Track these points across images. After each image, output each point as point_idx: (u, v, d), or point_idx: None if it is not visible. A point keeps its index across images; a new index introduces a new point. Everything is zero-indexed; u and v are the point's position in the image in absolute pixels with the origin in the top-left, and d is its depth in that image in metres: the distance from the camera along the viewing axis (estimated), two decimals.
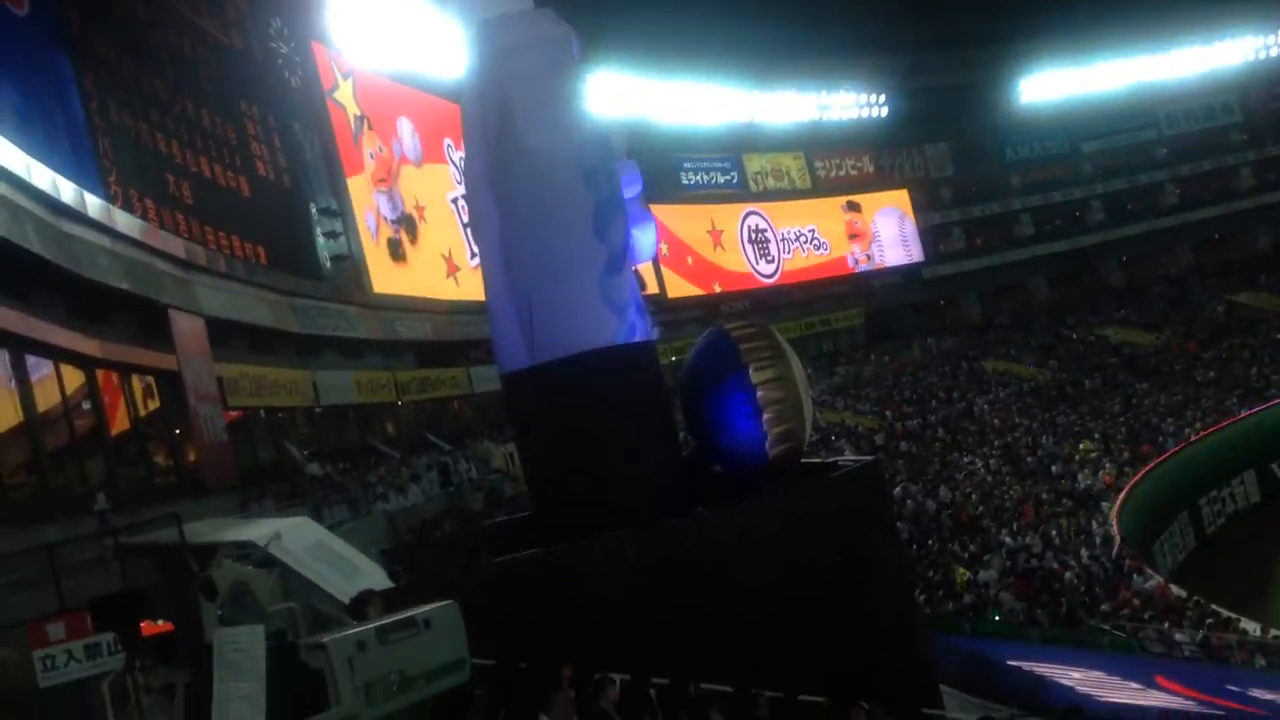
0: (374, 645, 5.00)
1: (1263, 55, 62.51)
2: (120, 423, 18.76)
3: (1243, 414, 42.91)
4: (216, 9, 26.43)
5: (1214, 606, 25.95)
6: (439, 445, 30.20)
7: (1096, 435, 40.89)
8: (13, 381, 15.31)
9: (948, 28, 57.27)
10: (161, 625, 5.22)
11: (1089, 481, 35.68)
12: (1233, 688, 20.68)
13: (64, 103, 18.53)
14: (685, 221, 50.40)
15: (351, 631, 5.24)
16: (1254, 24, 61.60)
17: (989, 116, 60.95)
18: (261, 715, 4.29)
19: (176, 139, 22.52)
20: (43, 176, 16.26)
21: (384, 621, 5.25)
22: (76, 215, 17.22)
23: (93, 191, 18.04)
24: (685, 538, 14.35)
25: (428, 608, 5.34)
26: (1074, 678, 19.96)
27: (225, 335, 22.35)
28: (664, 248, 44.22)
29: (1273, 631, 24.43)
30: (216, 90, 25.15)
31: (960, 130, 60.87)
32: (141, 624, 5.20)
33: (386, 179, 33.67)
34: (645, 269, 35.07)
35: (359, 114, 32.85)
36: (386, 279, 31.91)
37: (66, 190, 16.94)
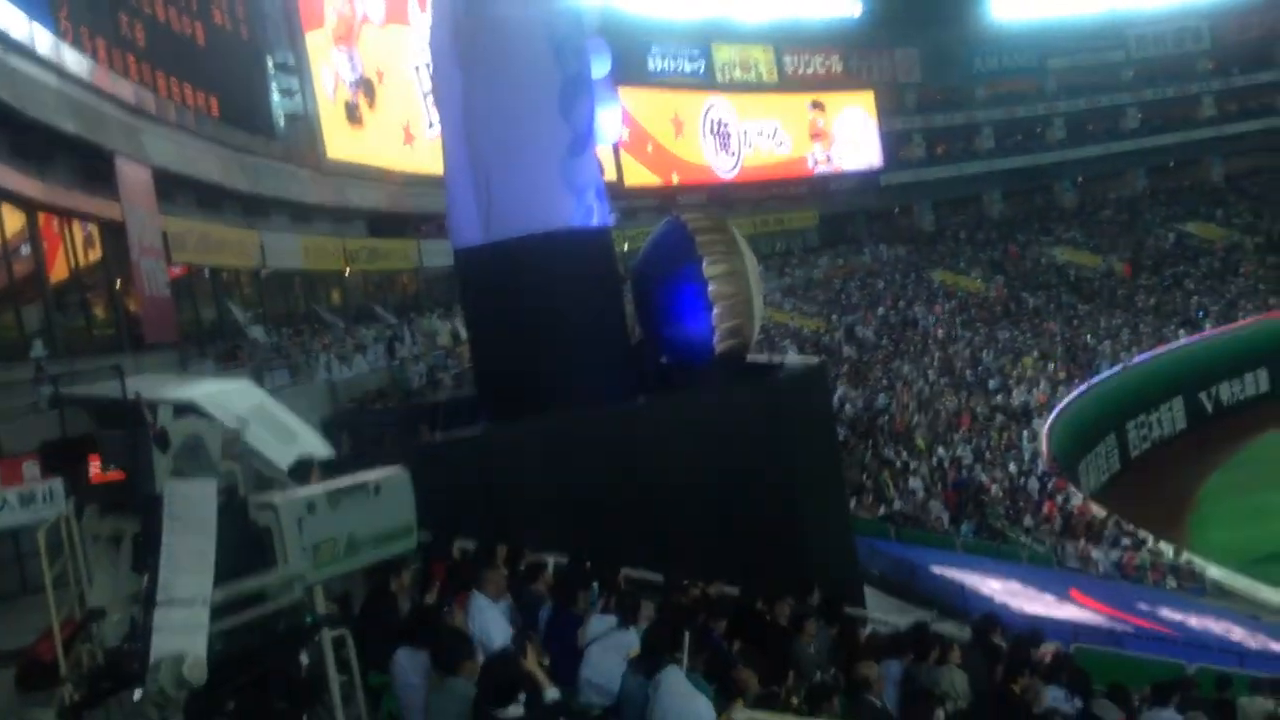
0: (324, 507, 5.00)
1: None
2: (59, 271, 18.37)
3: (1177, 343, 43.78)
4: None
5: (1131, 527, 26.77)
6: (384, 318, 29.99)
7: (1035, 353, 41.53)
8: None
9: None
10: (111, 474, 5.18)
11: (1024, 398, 36.33)
12: (1144, 606, 21.48)
13: None
14: (648, 108, 49.71)
15: (302, 492, 5.24)
16: None
17: (961, 26, 60.28)
18: (209, 569, 4.28)
19: None
20: None
21: (335, 485, 5.25)
22: (25, 50, 16.60)
23: (44, 25, 17.37)
24: (626, 424, 14.49)
25: (378, 472, 5.35)
26: (993, 587, 20.59)
27: (172, 189, 21.85)
28: (625, 133, 43.60)
29: (1185, 555, 25.29)
30: None
31: (931, 37, 60.26)
32: (91, 471, 5.16)
33: (347, 37, 32.72)
34: (604, 154, 34.63)
35: None
36: (341, 143, 31.24)
37: (16, 23, 16.30)
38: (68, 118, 17.55)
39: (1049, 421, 33.92)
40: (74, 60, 18.30)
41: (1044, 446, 31.86)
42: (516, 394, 15.16)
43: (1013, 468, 30.25)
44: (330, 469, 6.98)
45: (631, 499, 13.51)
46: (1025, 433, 33.22)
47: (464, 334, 24.48)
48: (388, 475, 5.38)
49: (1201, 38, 63.36)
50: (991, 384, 37.85)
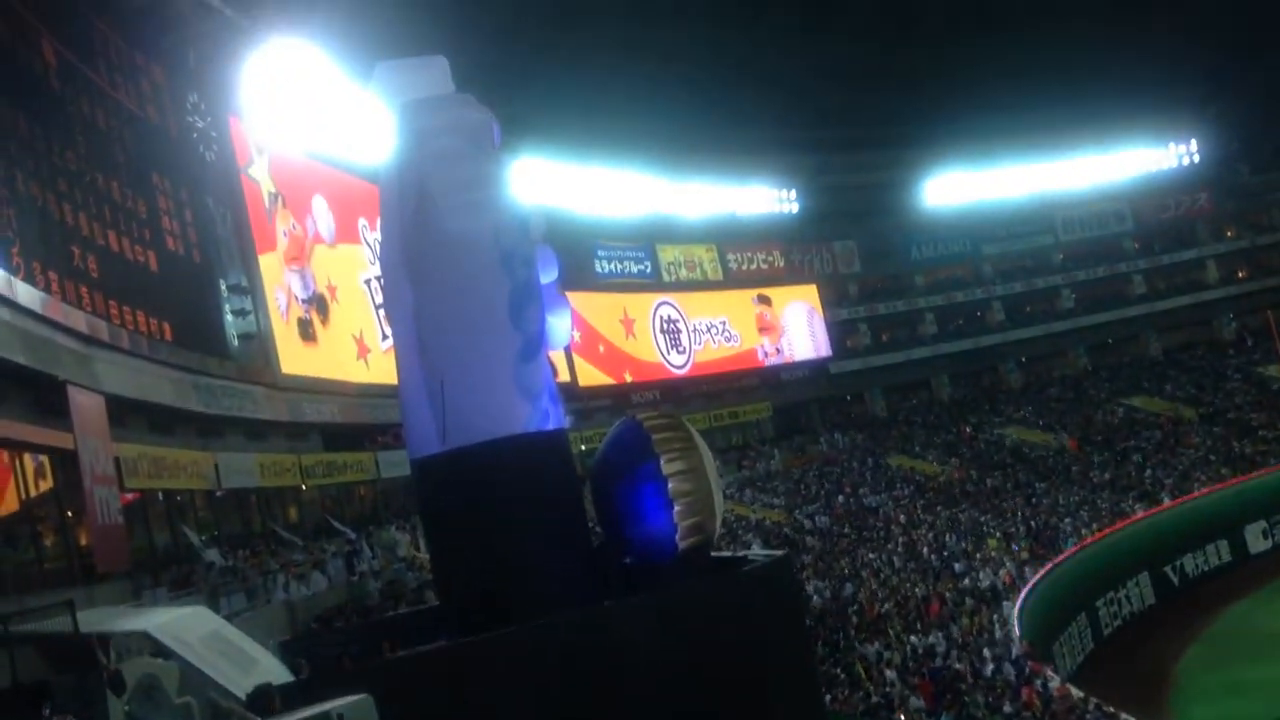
0: None
1: (1154, 167, 65.52)
2: (9, 504, 18.01)
3: (1136, 516, 43.97)
4: (133, 82, 26.15)
5: (1111, 709, 26.21)
6: (343, 532, 29.54)
7: (998, 534, 41.47)
8: None
9: (857, 129, 59.33)
10: None
11: (990, 580, 36.06)
12: None
13: None
14: (598, 309, 50.65)
15: None
16: (1146, 137, 64.65)
17: (895, 216, 62.78)
18: None
19: (85, 211, 22.04)
20: None
21: (297, 717, 5.06)
22: None
23: None
24: (594, 629, 14.18)
25: (341, 702, 5.17)
26: None
27: (125, 414, 21.73)
28: (576, 335, 44.31)
29: None
30: (129, 163, 24.77)
31: (868, 229, 62.57)
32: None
33: (299, 257, 33.33)
34: (557, 356, 35.05)
35: (273, 191, 32.57)
36: (295, 359, 31.39)
37: None
38: (18, 350, 17.56)
39: (1018, 603, 33.59)
40: (26, 294, 18.40)
41: (1016, 629, 31.44)
42: (480, 604, 14.86)
43: (987, 653, 29.75)
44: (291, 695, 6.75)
45: (602, 706, 13.13)
46: (996, 616, 32.82)
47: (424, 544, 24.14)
48: (351, 703, 5.21)
49: (1124, 219, 66.23)
50: (957, 567, 37.59)
